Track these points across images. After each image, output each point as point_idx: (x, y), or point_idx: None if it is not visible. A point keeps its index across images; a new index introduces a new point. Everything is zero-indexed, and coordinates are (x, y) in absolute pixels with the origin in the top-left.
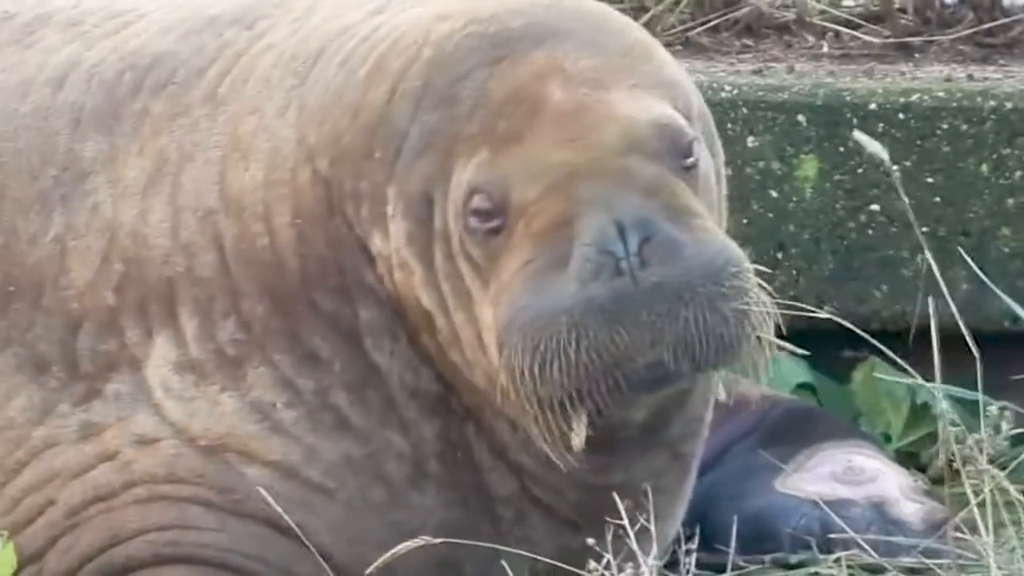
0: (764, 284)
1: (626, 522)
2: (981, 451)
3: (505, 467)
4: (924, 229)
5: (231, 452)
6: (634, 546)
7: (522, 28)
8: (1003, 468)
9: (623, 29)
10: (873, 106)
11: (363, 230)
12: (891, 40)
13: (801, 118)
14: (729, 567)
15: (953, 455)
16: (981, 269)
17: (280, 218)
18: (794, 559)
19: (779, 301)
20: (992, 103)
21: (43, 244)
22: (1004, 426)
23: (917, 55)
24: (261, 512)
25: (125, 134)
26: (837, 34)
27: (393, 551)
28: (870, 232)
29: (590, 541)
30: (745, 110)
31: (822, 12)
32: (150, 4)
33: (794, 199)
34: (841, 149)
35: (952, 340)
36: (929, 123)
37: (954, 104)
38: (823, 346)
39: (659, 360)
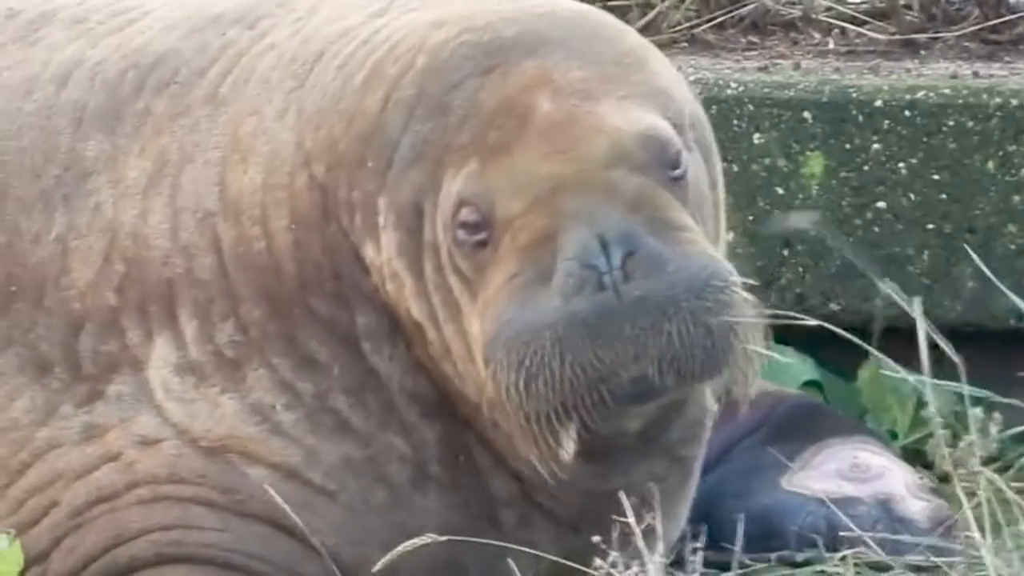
0: (751, 297)
1: (632, 520)
2: (973, 452)
3: (506, 473)
4: (930, 226)
5: (233, 453)
6: (640, 543)
7: (515, 37)
8: (1007, 468)
9: (617, 37)
10: (879, 103)
11: (357, 239)
12: (897, 37)
13: (807, 115)
14: (735, 565)
15: (944, 457)
16: (987, 266)
17: (277, 222)
18: (800, 557)
19: (775, 310)
20: (998, 100)
21: (45, 243)
22: (993, 428)
23: (923, 52)
24: (264, 512)
25: (127, 134)
26: (843, 31)
27: (399, 548)
28: (876, 229)
29: (596, 539)
30: (751, 107)
31: (828, 9)
32: (155, 1)
33: (800, 196)
34: (847, 146)
35: (959, 337)
36: (935, 120)
37: (960, 101)
38: (829, 343)
39: (643, 374)
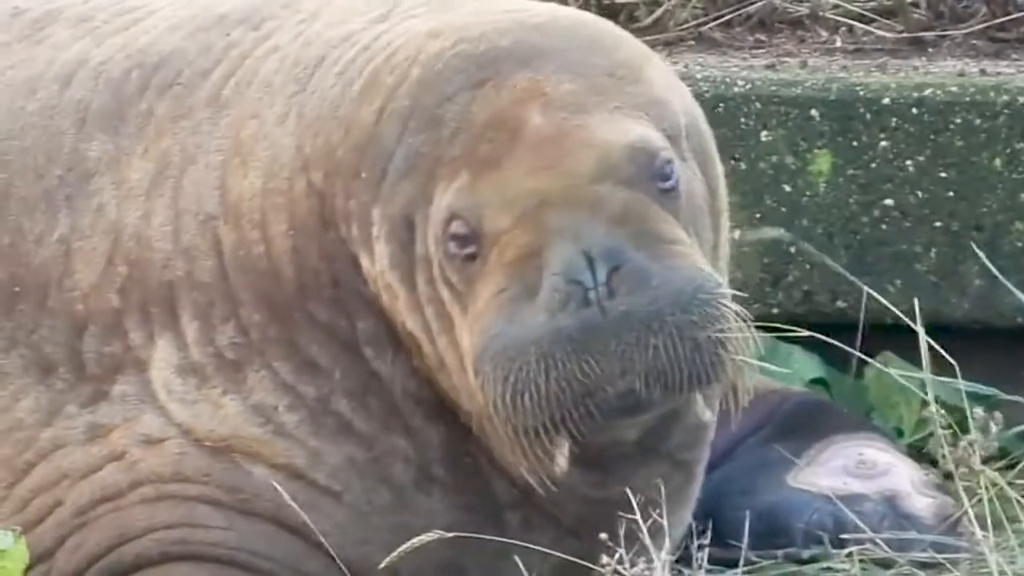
0: (739, 309)
1: (639, 517)
2: (974, 452)
3: (506, 477)
4: (937, 224)
5: (237, 453)
6: (647, 540)
7: (509, 48)
8: (1013, 465)
9: (614, 47)
10: (886, 100)
11: (354, 248)
12: (904, 35)
13: (814, 113)
14: (741, 562)
15: (946, 456)
16: (994, 264)
17: (276, 227)
18: (806, 554)
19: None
20: (1005, 98)
21: (48, 244)
22: (994, 427)
23: (930, 50)
24: (268, 510)
25: (130, 135)
26: (850, 29)
27: (405, 546)
28: (884, 227)
29: (603, 536)
30: (758, 105)
31: (835, 7)
32: (161, 0)
33: (807, 193)
34: (854, 144)
35: (965, 334)
36: (942, 118)
37: (967, 99)
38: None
39: (630, 389)
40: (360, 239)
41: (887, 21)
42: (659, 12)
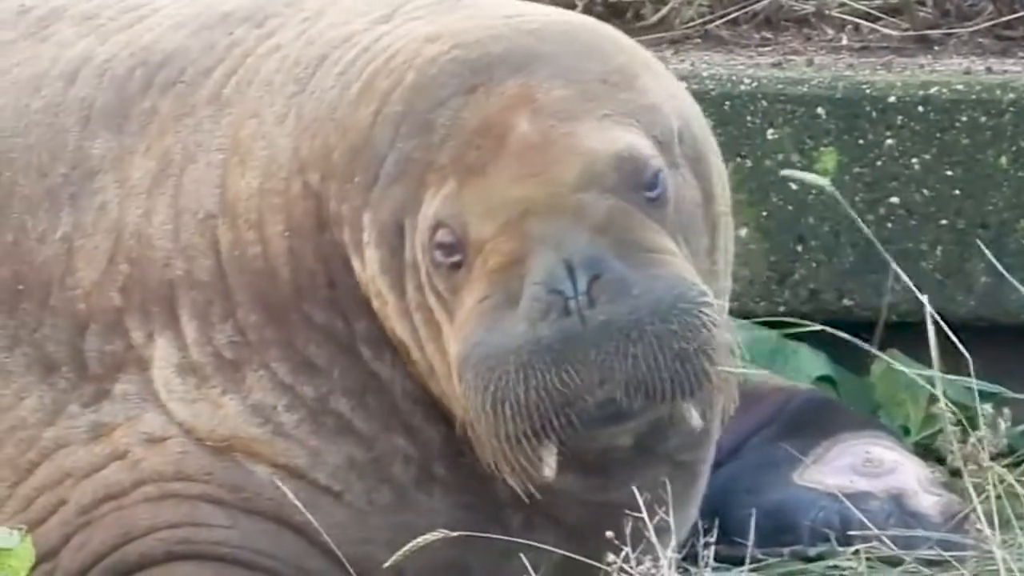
0: (724, 318)
1: (645, 515)
2: (982, 448)
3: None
4: (943, 221)
5: (238, 452)
6: (653, 539)
7: (503, 54)
8: (1020, 463)
9: (610, 53)
10: (892, 99)
11: (348, 252)
12: (910, 33)
13: (820, 111)
14: (747, 560)
15: (955, 453)
16: (1000, 261)
17: (272, 227)
18: (813, 552)
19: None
20: (1011, 96)
21: (51, 242)
22: (1003, 424)
23: (936, 48)
24: (271, 509)
25: (133, 132)
26: (856, 27)
27: (409, 545)
28: (889, 224)
29: (609, 534)
30: (764, 103)
31: (841, 5)
32: None
33: (813, 192)
34: (860, 142)
35: (971, 332)
36: (948, 116)
37: (973, 97)
38: (841, 338)
39: (610, 398)
40: (352, 243)
41: (893, 19)
42: (665, 10)
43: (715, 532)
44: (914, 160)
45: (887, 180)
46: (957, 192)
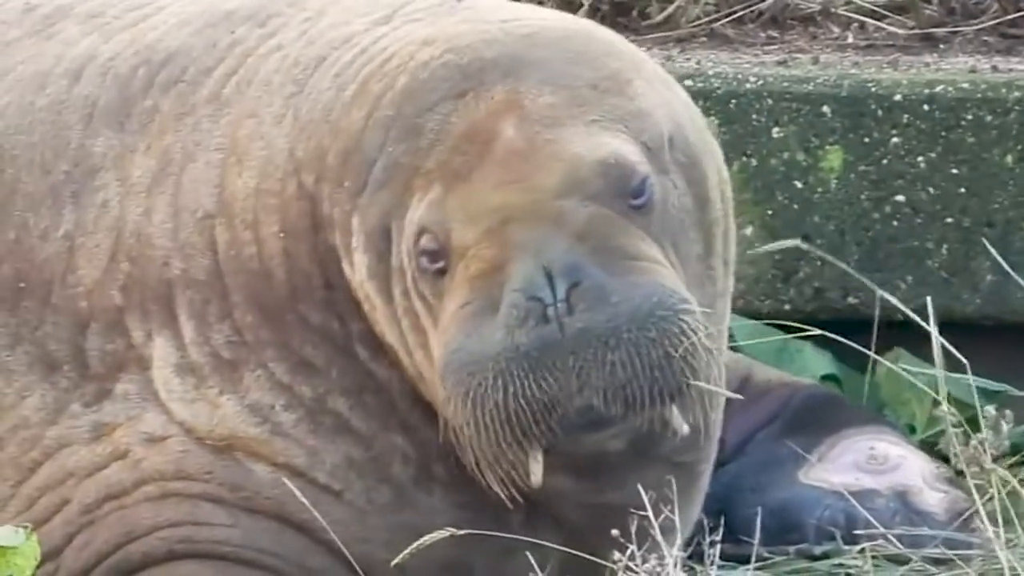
0: (704, 325)
1: (650, 514)
2: (985, 451)
3: None
4: (948, 220)
5: (238, 451)
6: (659, 537)
7: (494, 59)
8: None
9: (602, 58)
10: (898, 97)
11: (340, 254)
12: (916, 31)
13: (826, 109)
14: (753, 558)
15: (958, 455)
16: (1005, 260)
17: (268, 228)
18: (818, 550)
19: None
20: (1017, 94)
21: (53, 240)
22: (1004, 426)
23: (942, 46)
24: (272, 507)
25: (134, 131)
26: (862, 25)
27: (415, 544)
28: (895, 223)
29: (614, 532)
30: (770, 101)
31: (847, 3)
32: None
33: (819, 190)
34: (866, 140)
35: (977, 330)
36: (953, 114)
37: (978, 95)
38: (847, 337)
39: (589, 405)
40: (343, 247)
41: (899, 17)
42: (671, 9)
43: (721, 531)
44: (920, 158)
45: (893, 178)
46: (963, 190)
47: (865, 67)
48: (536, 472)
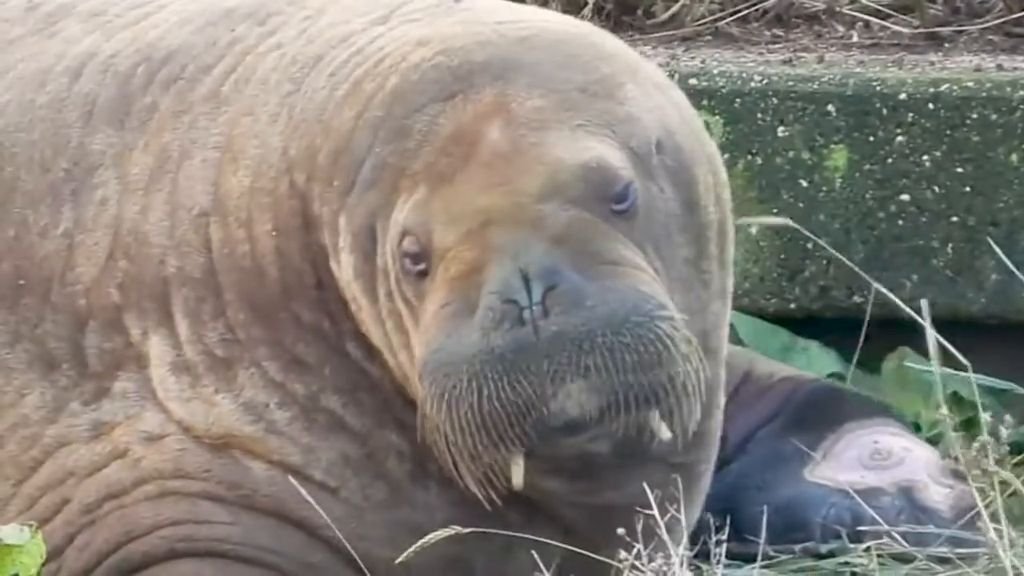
0: (685, 331)
1: (656, 512)
2: (986, 454)
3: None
4: (953, 219)
5: (235, 449)
6: (665, 536)
7: (484, 62)
8: None
9: (593, 62)
10: (903, 96)
11: (329, 253)
12: (921, 30)
13: (831, 108)
14: (759, 557)
15: (960, 459)
16: (1010, 259)
17: (261, 226)
18: (824, 548)
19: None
20: (1022, 93)
21: (53, 238)
22: (1004, 431)
23: (947, 45)
24: (270, 505)
25: (134, 129)
26: (867, 24)
27: (421, 541)
28: (900, 222)
29: (620, 531)
30: (775, 100)
31: (852, 2)
32: None
33: (824, 189)
34: (871, 139)
35: (982, 329)
36: (959, 113)
37: (983, 94)
38: (852, 336)
39: (564, 408)
40: (331, 246)
41: (904, 16)
42: (676, 7)
43: (727, 529)
44: (924, 157)
45: (897, 177)
46: (967, 189)
47: (870, 66)
48: (517, 474)
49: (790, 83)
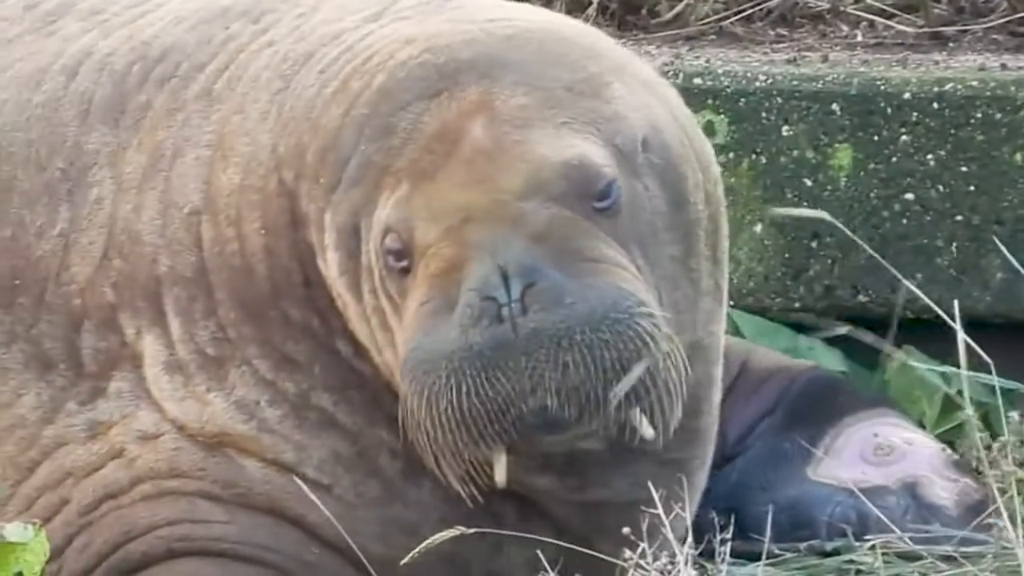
0: (666, 328)
1: (661, 512)
2: (1006, 456)
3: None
4: (958, 218)
5: (229, 448)
6: (669, 535)
7: (470, 60)
8: None
9: (580, 61)
10: (907, 95)
11: (316, 251)
12: (925, 29)
13: (835, 107)
14: (764, 555)
15: (982, 459)
16: (1015, 257)
17: (250, 225)
18: (829, 547)
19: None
20: None
21: (49, 238)
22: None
23: (951, 44)
24: (265, 503)
25: (128, 127)
26: (871, 23)
27: (427, 542)
28: (905, 221)
29: (626, 530)
30: (779, 99)
31: (856, 1)
32: None
33: (829, 188)
34: (875, 138)
35: (987, 328)
36: (963, 112)
37: (988, 93)
38: (856, 336)
39: (543, 406)
40: (318, 244)
41: (908, 16)
42: (680, 7)
43: (731, 528)
44: (929, 156)
45: (902, 176)
46: (972, 188)
47: (874, 65)
48: (500, 471)
49: (794, 82)
